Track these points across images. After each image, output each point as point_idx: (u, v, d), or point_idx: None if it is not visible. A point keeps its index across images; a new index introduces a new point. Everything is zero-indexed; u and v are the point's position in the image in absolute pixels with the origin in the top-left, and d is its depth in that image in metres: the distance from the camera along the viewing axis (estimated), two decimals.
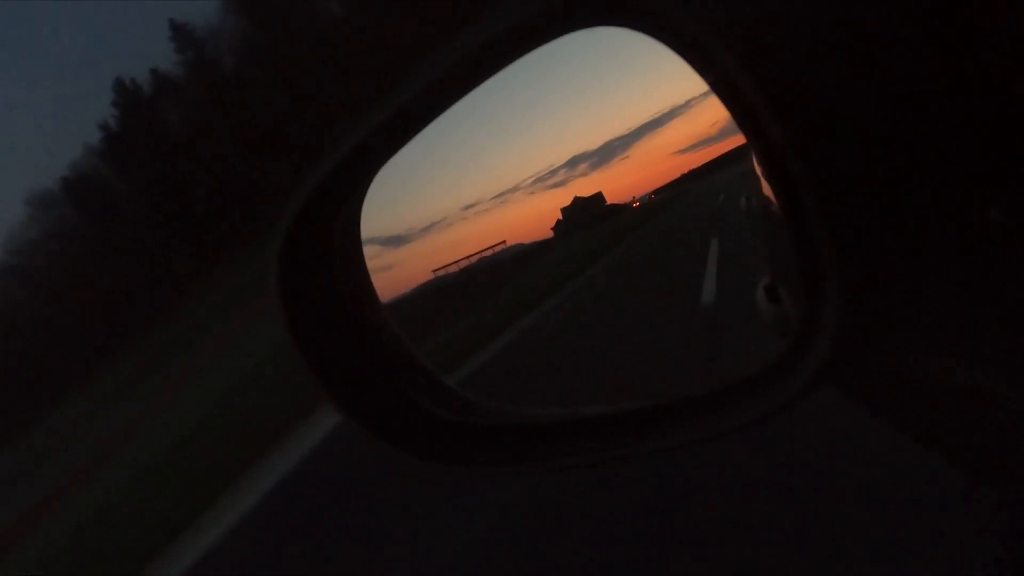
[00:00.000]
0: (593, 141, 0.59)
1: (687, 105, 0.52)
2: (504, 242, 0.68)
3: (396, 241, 0.73)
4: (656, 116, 0.55)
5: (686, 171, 0.58)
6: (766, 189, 0.51)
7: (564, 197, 0.62)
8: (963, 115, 0.43)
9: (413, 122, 0.58)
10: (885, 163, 0.42)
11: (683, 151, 0.57)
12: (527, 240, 0.68)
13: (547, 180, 0.62)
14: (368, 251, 0.71)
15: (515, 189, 0.63)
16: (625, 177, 0.60)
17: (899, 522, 2.01)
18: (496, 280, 0.76)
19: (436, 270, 0.71)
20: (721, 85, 0.42)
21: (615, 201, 0.62)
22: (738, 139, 0.50)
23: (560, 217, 0.64)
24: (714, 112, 0.50)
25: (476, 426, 0.68)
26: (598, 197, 0.61)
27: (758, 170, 0.51)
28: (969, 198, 0.44)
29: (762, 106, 0.40)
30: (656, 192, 0.62)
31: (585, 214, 0.63)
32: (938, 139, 0.44)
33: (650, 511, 2.78)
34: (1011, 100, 0.42)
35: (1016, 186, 0.43)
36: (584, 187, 0.61)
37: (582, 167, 0.60)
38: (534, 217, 0.65)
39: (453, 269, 0.70)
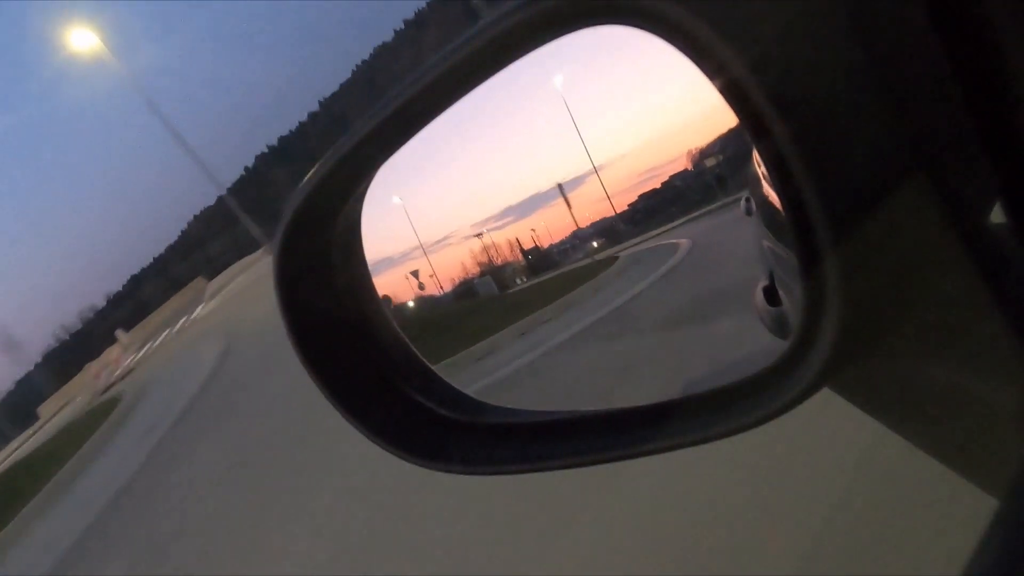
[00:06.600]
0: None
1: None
2: None
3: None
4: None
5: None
6: (767, 190, 0.51)
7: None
8: (969, 120, 0.44)
9: (413, 121, 0.58)
10: (889, 165, 0.43)
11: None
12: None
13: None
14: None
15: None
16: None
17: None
18: None
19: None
20: (728, 86, 0.42)
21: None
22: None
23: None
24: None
25: (475, 425, 0.68)
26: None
27: (759, 171, 0.52)
28: (972, 201, 0.44)
29: (768, 107, 0.40)
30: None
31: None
32: (943, 144, 0.44)
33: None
34: (1017, 103, 0.42)
35: (1019, 189, 0.43)
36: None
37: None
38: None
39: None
